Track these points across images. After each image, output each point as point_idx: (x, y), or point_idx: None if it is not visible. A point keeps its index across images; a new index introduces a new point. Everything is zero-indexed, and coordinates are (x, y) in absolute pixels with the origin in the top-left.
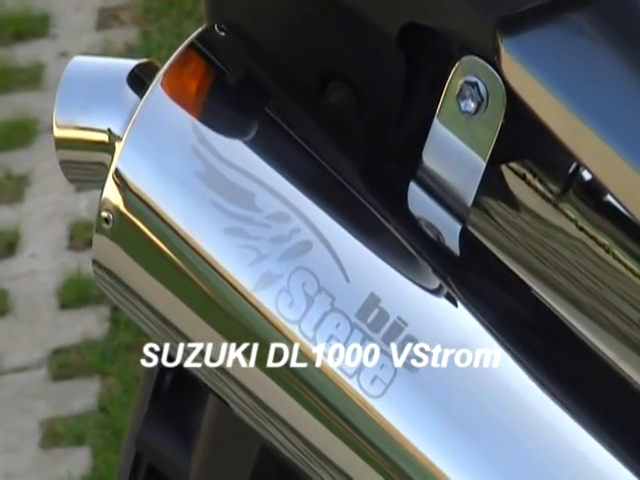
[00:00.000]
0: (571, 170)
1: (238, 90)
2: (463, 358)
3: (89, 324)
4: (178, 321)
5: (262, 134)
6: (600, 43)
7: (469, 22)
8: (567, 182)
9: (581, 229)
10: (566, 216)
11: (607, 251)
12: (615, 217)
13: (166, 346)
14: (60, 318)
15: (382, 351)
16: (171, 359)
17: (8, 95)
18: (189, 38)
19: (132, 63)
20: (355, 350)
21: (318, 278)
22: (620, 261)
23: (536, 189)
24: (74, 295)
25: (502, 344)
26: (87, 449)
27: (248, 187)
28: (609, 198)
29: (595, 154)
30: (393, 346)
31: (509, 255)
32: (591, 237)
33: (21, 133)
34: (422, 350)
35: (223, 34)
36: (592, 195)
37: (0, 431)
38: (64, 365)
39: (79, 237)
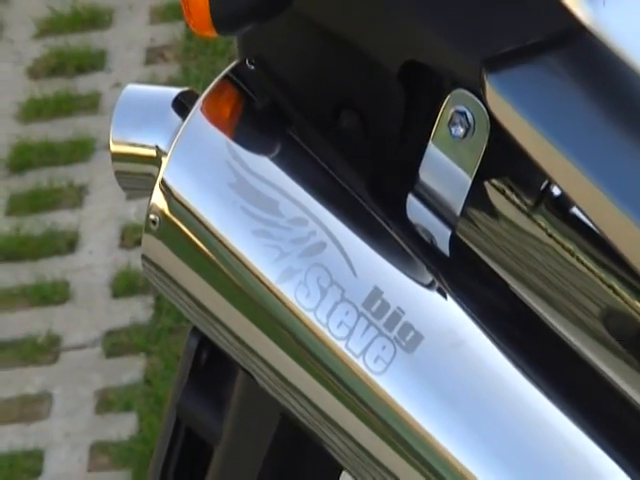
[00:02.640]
0: (543, 186)
1: (265, 115)
2: (451, 341)
3: (136, 310)
4: (213, 307)
5: (285, 152)
6: (571, 80)
7: (459, 61)
8: (539, 196)
9: (551, 236)
10: (538, 225)
11: (572, 255)
12: (580, 226)
13: (202, 328)
14: (112, 305)
15: (384, 335)
16: (207, 339)
17: (71, 118)
18: (224, 71)
19: (176, 91)
20: (361, 334)
21: (330, 273)
22: (583, 264)
23: (513, 202)
24: (124, 286)
25: (484, 330)
26: (134, 415)
27: (273, 196)
28: (575, 210)
29: (564, 174)
30: (393, 331)
31: (490, 257)
32: (559, 243)
33: (81, 150)
34: (417, 334)
35: (252, 68)
36: (560, 208)
37: (61, 398)
38: (115, 344)
39: (129, 238)
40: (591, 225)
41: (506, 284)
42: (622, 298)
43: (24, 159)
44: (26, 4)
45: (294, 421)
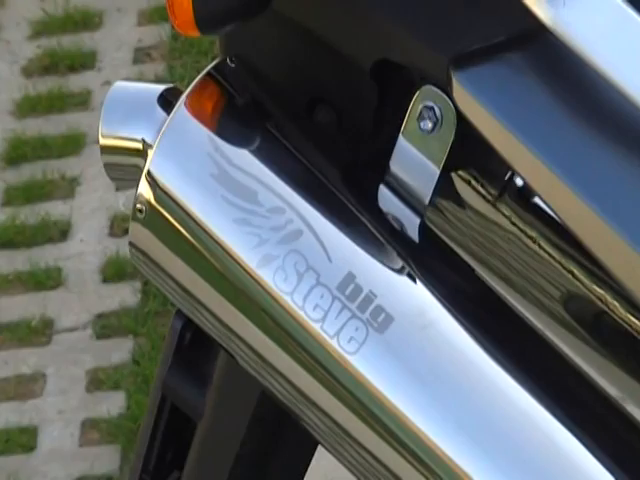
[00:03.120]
0: (506, 177)
1: (245, 110)
2: (420, 323)
3: (125, 295)
4: (196, 291)
5: (263, 145)
6: (533, 77)
7: (428, 59)
8: (503, 187)
9: (514, 224)
10: (502, 214)
11: (534, 242)
12: (541, 215)
13: (186, 311)
14: (102, 290)
15: (357, 317)
16: (190, 321)
17: (63, 115)
18: (206, 69)
19: (161, 87)
20: (335, 316)
21: (307, 259)
22: (545, 250)
23: (478, 192)
24: (113, 272)
25: (451, 313)
26: (123, 393)
27: (252, 186)
28: (536, 200)
29: (527, 166)
30: (365, 313)
31: (457, 244)
32: (522, 231)
33: (73, 144)
34: (388, 316)
35: (233, 66)
36: (523, 197)
37: (54, 377)
38: (105, 327)
39: (118, 226)
40: (552, 214)
41: (472, 269)
42: (580, 282)
43: (19, 153)
44: (21, 7)
45: (272, 398)
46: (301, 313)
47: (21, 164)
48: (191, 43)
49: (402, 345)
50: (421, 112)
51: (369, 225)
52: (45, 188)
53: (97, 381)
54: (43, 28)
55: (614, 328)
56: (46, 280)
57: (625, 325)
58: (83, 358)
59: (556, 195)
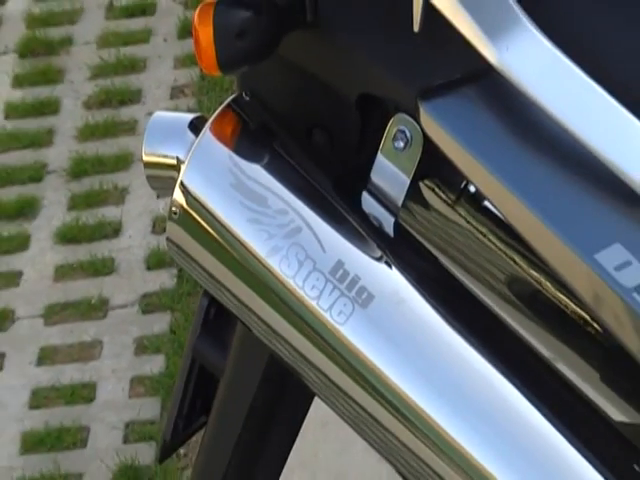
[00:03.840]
0: (462, 185)
1: (256, 133)
2: (395, 300)
3: (164, 279)
4: (219, 275)
5: (271, 161)
6: (485, 106)
7: (400, 92)
8: (460, 193)
9: (468, 222)
10: (459, 214)
11: (484, 236)
12: (490, 215)
13: (211, 291)
14: (146, 275)
15: (345, 295)
16: (214, 299)
17: (115, 138)
18: (226, 101)
19: (191, 116)
20: (328, 294)
21: (305, 250)
22: (492, 242)
23: (440, 197)
24: (155, 261)
25: (419, 292)
26: (162, 356)
27: (262, 193)
28: (486, 203)
29: (478, 176)
30: (352, 292)
31: (424, 238)
32: (474, 227)
33: (123, 162)
34: (370, 295)
35: (247, 99)
36: (475, 201)
37: (109, 344)
38: (148, 304)
39: (159, 226)
40: (498, 214)
41: (436, 258)
42: (520, 267)
43: (81, 169)
44: (83, 54)
45: (278, 360)
46: (301, 292)
47: (82, 177)
48: (215, 82)
49: (380, 317)
50: (395, 134)
51: (354, 223)
52: (101, 196)
53: (142, 347)
54: (100, 71)
55: (545, 301)
56: (102, 268)
57: (553, 299)
58: (131, 329)
59: (501, 199)
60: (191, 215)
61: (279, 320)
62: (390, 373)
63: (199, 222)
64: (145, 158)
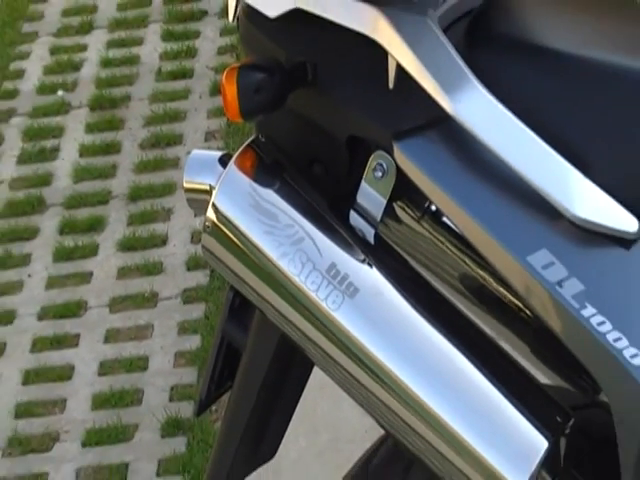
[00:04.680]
0: (426, 205)
1: (270, 166)
2: (374, 292)
3: (200, 278)
4: (241, 274)
5: (281, 187)
6: (447, 145)
7: (379, 134)
8: (424, 211)
9: (430, 233)
10: (423, 227)
11: (442, 243)
12: (447, 228)
13: (236, 285)
14: (187, 275)
15: (337, 289)
16: (238, 292)
17: (163, 171)
18: (247, 142)
19: (220, 153)
20: (325, 288)
21: (307, 254)
22: (449, 249)
23: (409, 214)
24: (193, 264)
25: (394, 286)
26: (199, 336)
27: (274, 211)
28: (444, 219)
29: (439, 199)
30: (342, 286)
31: (397, 245)
32: (435, 237)
33: (169, 189)
34: (355, 288)
35: (263, 140)
36: (435, 217)
37: (158, 327)
38: (188, 297)
39: (196, 237)
40: (454, 227)
41: (406, 260)
42: (471, 268)
43: (137, 194)
44: (138, 108)
45: (287, 338)
46: (304, 286)
47: (138, 201)
48: (238, 128)
49: (363, 305)
50: (375, 166)
51: (344, 234)
52: (152, 215)
53: (183, 329)
54: (151, 121)
55: (489, 293)
56: (153, 269)
57: (495, 291)
58: (175, 315)
59: (456, 215)
60: (220, 229)
61: (287, 307)
62: (370, 346)
63: (227, 234)
64: (185, 185)
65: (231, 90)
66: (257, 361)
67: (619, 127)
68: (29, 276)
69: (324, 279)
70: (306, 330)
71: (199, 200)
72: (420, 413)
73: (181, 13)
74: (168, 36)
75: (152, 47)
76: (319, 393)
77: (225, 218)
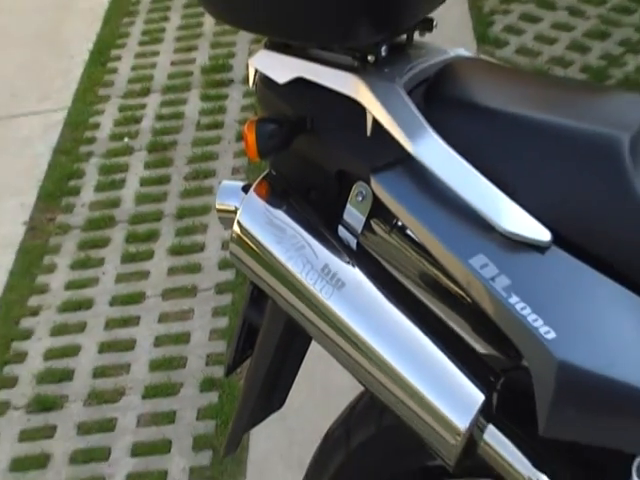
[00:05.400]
0: (394, 222)
1: (279, 194)
2: (356, 284)
3: (228, 275)
4: (259, 272)
5: (287, 208)
6: (413, 178)
7: (359, 169)
8: (392, 226)
9: (398, 242)
10: (392, 237)
11: (406, 250)
12: (410, 238)
13: (254, 280)
14: (219, 273)
15: (329, 283)
16: (256, 286)
17: (202, 197)
18: (262, 175)
19: (242, 183)
20: (320, 282)
21: (307, 258)
22: (411, 253)
23: (382, 228)
24: (223, 265)
25: (370, 280)
26: (227, 317)
27: (283, 226)
28: (408, 232)
29: (403, 216)
30: (332, 281)
31: (373, 251)
32: (401, 245)
33: (206, 210)
34: (342, 282)
35: (274, 173)
36: (401, 230)
37: (198, 311)
38: (221, 289)
39: (225, 245)
40: (416, 239)
41: (380, 262)
42: (427, 268)
43: (182, 214)
44: (184, 150)
45: (292, 320)
46: (304, 281)
47: (183, 218)
48: (257, 165)
49: (348, 295)
50: (357, 193)
51: (334, 243)
52: (194, 229)
53: (216, 312)
54: (192, 160)
55: (441, 285)
56: (194, 269)
57: (445, 284)
58: (210, 302)
59: (416, 229)
60: (243, 239)
61: (292, 297)
62: (352, 324)
63: (248, 243)
64: (217, 207)
65: (251, 137)
66: (270, 336)
67: (538, 163)
68: (103, 274)
69: (319, 276)
70: (306, 313)
71: (227, 218)
72: (387, 372)
73: (214, 81)
74: (205, 98)
75: (193, 106)
76: (317, 360)
77: (247, 231)
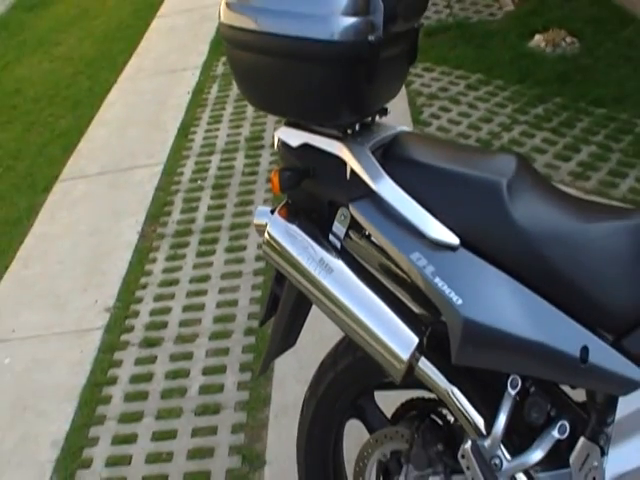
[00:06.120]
0: (364, 232)
1: (294, 214)
2: (341, 272)
3: (261, 264)
4: (282, 265)
5: (299, 225)
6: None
7: (342, 199)
8: (362, 235)
9: (366, 245)
10: (363, 242)
11: (372, 251)
12: (374, 244)
13: (278, 268)
14: (255, 263)
15: (324, 269)
16: (279, 272)
17: (247, 217)
18: (282, 203)
19: (269, 208)
20: (318, 269)
21: (311, 255)
22: (376, 253)
23: (356, 236)
24: (258, 258)
25: (351, 272)
26: (260, 291)
27: (296, 235)
28: (373, 239)
29: (372, 231)
30: (326, 268)
31: (355, 253)
32: (368, 247)
33: (248, 228)
34: (331, 269)
35: (290, 202)
36: (369, 238)
37: (243, 287)
38: (256, 272)
39: (259, 247)
40: (378, 243)
41: (355, 258)
42: (386, 262)
43: (233, 227)
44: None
45: (301, 293)
46: (308, 268)
47: (234, 230)
48: (279, 198)
49: (336, 277)
50: (341, 214)
51: (327, 245)
52: (241, 236)
53: (254, 287)
54: (241, 204)
55: (394, 273)
56: (240, 261)
57: (398, 273)
58: (250, 281)
59: (378, 238)
60: (271, 243)
61: (301, 278)
62: (336, 293)
63: (274, 246)
64: (255, 222)
65: (275, 180)
66: (287, 302)
67: (452, 196)
68: (185, 263)
69: (318, 265)
70: (309, 288)
71: (261, 230)
72: (356, 321)
73: (253, 146)
74: (247, 156)
75: (240, 161)
76: (316, 317)
77: (273, 239)
